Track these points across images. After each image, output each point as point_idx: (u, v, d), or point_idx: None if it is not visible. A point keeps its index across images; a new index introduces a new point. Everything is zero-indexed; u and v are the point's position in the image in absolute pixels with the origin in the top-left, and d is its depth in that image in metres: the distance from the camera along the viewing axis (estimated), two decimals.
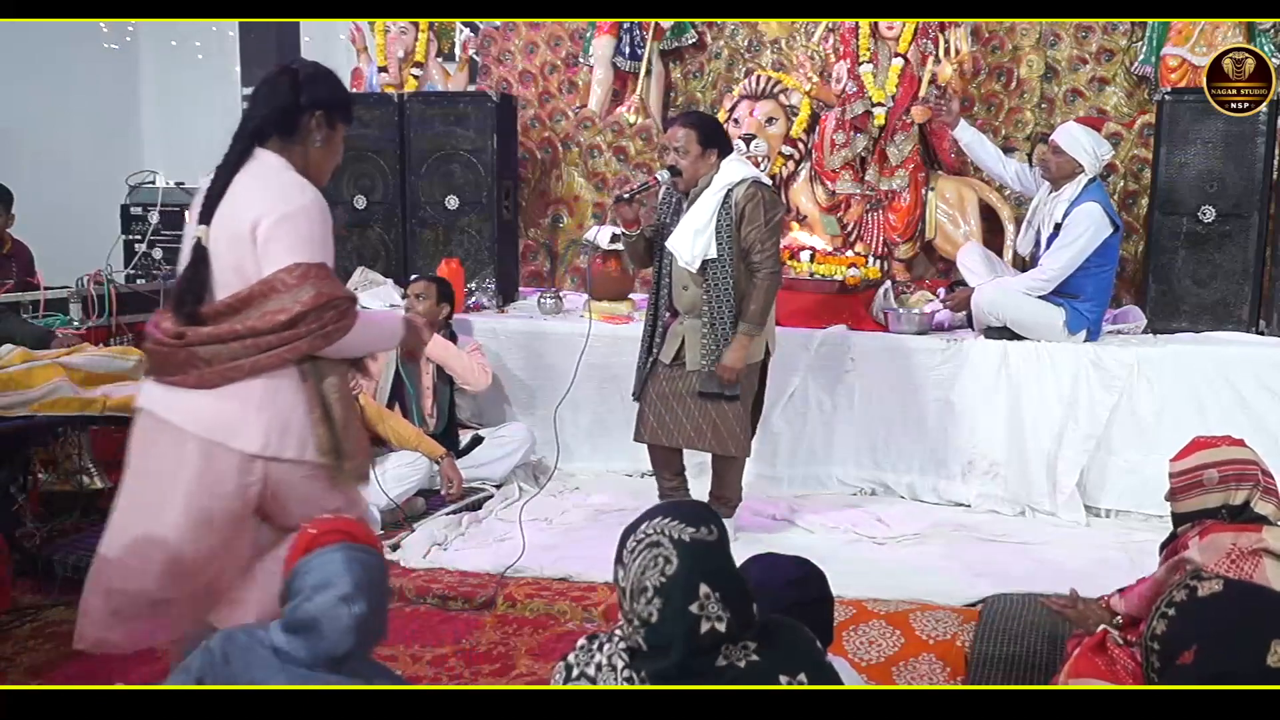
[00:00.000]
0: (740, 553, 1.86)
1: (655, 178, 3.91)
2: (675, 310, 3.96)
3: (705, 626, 1.63)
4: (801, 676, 1.63)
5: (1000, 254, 5.06)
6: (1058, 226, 4.39)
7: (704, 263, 3.78)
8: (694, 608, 1.63)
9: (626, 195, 3.90)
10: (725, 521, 3.92)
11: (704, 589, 1.64)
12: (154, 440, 2.32)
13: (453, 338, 4.71)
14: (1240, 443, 2.48)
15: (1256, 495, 2.37)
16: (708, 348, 3.81)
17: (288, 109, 2.41)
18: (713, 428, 3.84)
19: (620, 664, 1.68)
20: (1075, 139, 4.40)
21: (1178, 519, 2.49)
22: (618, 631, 1.73)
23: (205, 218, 2.35)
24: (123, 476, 2.37)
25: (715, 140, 3.84)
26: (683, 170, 3.80)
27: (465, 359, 4.62)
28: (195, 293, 2.31)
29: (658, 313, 3.99)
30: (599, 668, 1.70)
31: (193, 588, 2.31)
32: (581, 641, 1.78)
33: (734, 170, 3.82)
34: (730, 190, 3.77)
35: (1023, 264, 4.83)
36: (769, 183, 4.05)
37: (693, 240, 3.77)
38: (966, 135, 4.80)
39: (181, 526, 2.25)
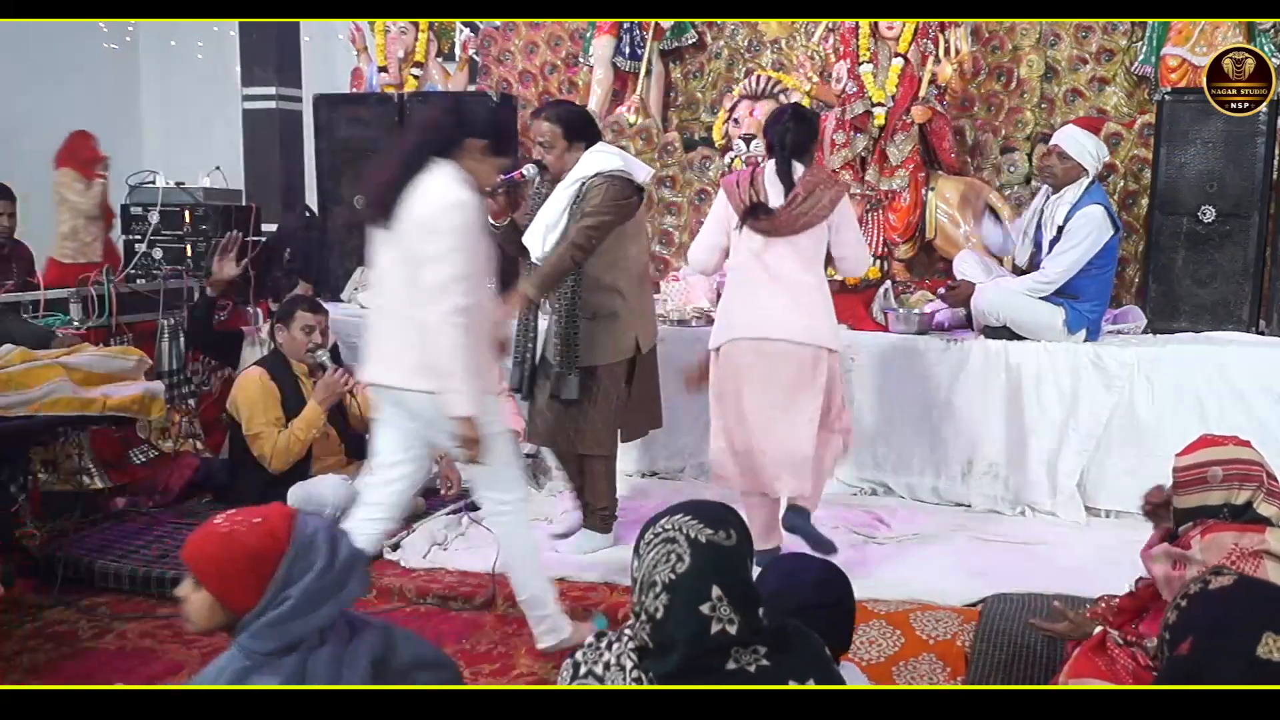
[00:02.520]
0: None
1: (521, 173, 3.73)
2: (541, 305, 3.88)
3: (716, 628, 1.63)
4: (810, 682, 1.63)
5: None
6: (1060, 230, 4.39)
7: None
8: (705, 608, 1.63)
9: (490, 189, 3.64)
10: (600, 536, 3.84)
11: (716, 590, 1.64)
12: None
13: None
14: (1247, 444, 2.48)
15: (1260, 496, 2.37)
16: (557, 346, 3.71)
17: None
18: (573, 424, 3.77)
19: (629, 664, 1.68)
20: (1079, 143, 4.42)
21: (1179, 515, 2.49)
22: (627, 631, 1.73)
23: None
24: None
25: (582, 133, 3.71)
26: (549, 164, 3.69)
27: None
28: None
29: (529, 311, 3.84)
30: (607, 666, 1.70)
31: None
32: (590, 639, 1.78)
33: (591, 162, 3.66)
34: (584, 183, 3.64)
35: (1020, 274, 4.82)
36: (642, 175, 3.76)
37: (544, 236, 3.66)
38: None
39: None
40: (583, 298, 3.69)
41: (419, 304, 2.78)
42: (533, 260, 3.72)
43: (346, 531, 1.94)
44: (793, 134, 3.56)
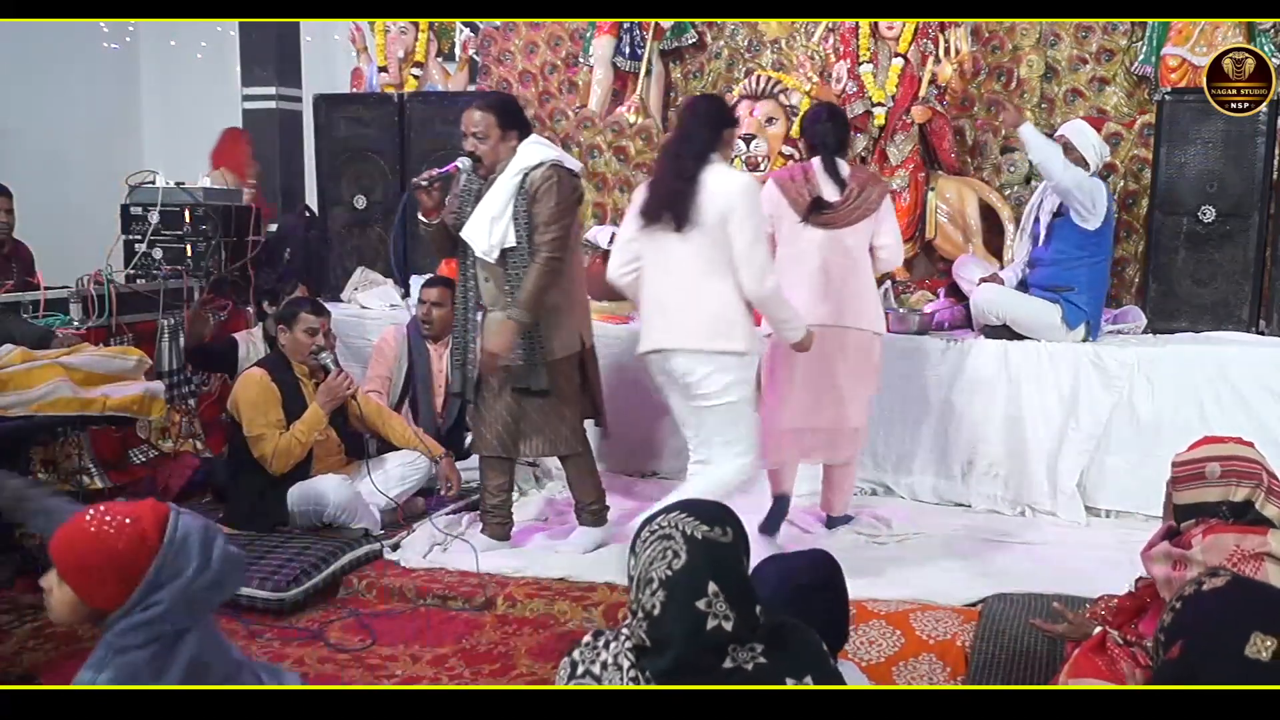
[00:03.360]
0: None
1: (455, 165, 3.62)
2: (482, 305, 3.75)
3: (712, 624, 1.63)
4: (808, 680, 1.63)
5: (1000, 254, 5.08)
6: (1055, 215, 4.40)
7: (503, 252, 3.57)
8: (701, 604, 1.63)
9: (424, 181, 3.62)
10: (597, 530, 3.85)
11: (712, 587, 1.64)
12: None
13: None
14: (1249, 444, 2.49)
15: (1260, 496, 2.36)
16: (516, 341, 3.60)
17: None
18: (538, 430, 3.70)
19: (626, 663, 1.67)
20: (1085, 135, 4.45)
21: (1178, 511, 2.50)
22: (624, 630, 1.73)
23: None
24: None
25: (515, 121, 3.62)
26: (483, 156, 3.58)
27: None
28: None
29: (467, 309, 3.77)
30: (604, 666, 1.69)
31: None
32: (586, 639, 1.77)
33: (532, 153, 3.59)
34: (527, 174, 3.55)
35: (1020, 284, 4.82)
36: (574, 166, 3.75)
37: (489, 228, 3.56)
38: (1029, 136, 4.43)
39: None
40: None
41: (725, 278, 3.31)
42: (477, 254, 3.60)
43: (220, 530, 1.91)
44: (834, 133, 3.87)
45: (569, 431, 3.79)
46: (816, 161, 3.86)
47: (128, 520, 1.81)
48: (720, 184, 3.30)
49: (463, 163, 3.61)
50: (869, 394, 3.97)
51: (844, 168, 3.86)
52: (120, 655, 1.80)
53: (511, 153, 3.59)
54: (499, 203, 3.56)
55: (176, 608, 1.80)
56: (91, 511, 1.83)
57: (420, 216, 3.73)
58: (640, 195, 3.49)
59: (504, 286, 3.63)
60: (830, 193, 3.80)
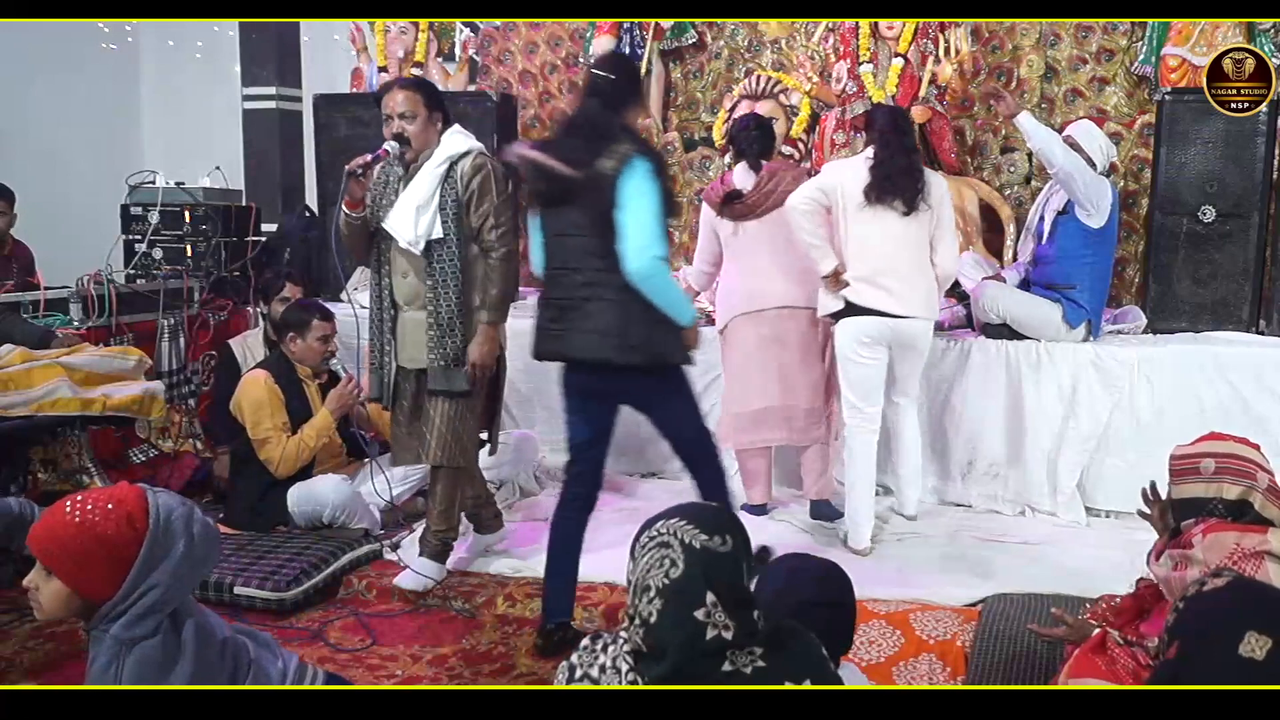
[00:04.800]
0: None
1: (385, 149, 3.41)
2: (395, 303, 3.54)
3: (711, 633, 1.61)
4: (807, 683, 1.62)
5: (1000, 254, 5.08)
6: (1059, 213, 4.40)
7: (428, 244, 3.39)
8: (699, 614, 1.61)
9: (359, 170, 3.40)
10: (439, 569, 3.61)
11: (710, 596, 1.62)
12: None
13: None
14: (1248, 443, 2.49)
15: (1256, 496, 2.36)
16: (436, 340, 3.40)
17: None
18: (435, 435, 3.46)
19: (625, 667, 1.66)
20: (1091, 134, 4.46)
21: (1176, 508, 2.51)
22: (623, 633, 1.72)
23: None
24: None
25: (440, 104, 3.47)
26: (411, 138, 3.40)
27: None
28: None
29: (383, 308, 3.54)
30: (603, 669, 1.68)
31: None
32: (585, 642, 1.76)
33: (457, 142, 3.44)
34: (455, 163, 3.39)
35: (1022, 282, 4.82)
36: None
37: (415, 219, 3.36)
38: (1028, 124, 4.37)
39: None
40: (460, 291, 3.40)
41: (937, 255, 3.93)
42: (402, 245, 3.41)
43: (194, 505, 1.92)
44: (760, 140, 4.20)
45: (468, 441, 3.53)
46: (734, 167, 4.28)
47: (110, 505, 1.80)
48: (932, 176, 3.95)
49: (391, 146, 3.41)
50: (817, 374, 4.19)
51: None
52: (133, 650, 1.79)
53: (436, 138, 3.44)
54: (424, 192, 3.38)
55: (171, 588, 1.80)
56: (69, 502, 1.82)
57: (345, 209, 3.48)
58: (848, 177, 3.87)
59: (426, 282, 3.42)
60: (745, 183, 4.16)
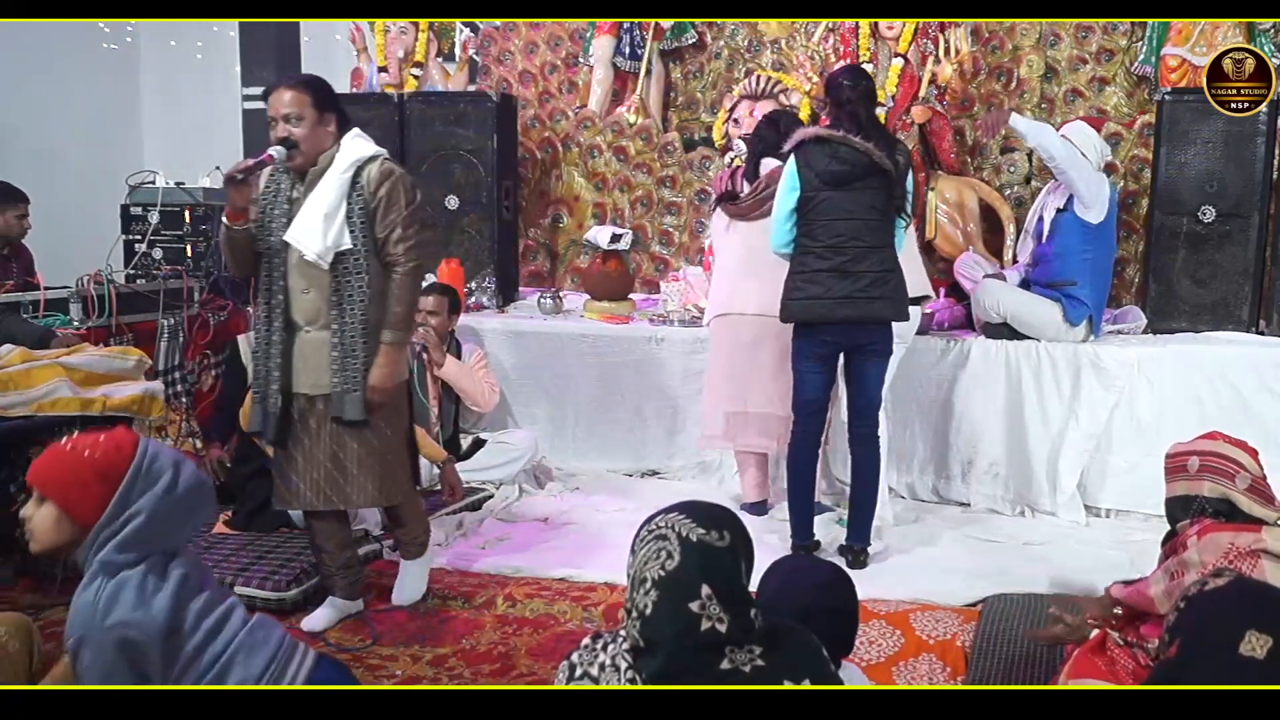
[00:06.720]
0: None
1: (270, 153, 3.06)
2: (291, 322, 3.15)
3: (705, 625, 1.63)
4: (806, 682, 1.63)
5: (1000, 254, 5.08)
6: (1059, 210, 4.41)
7: (335, 257, 3.06)
8: (694, 606, 1.63)
9: (240, 175, 3.07)
10: (416, 564, 3.53)
11: (705, 589, 1.64)
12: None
13: (458, 347, 4.71)
14: (1245, 447, 2.50)
15: (1235, 494, 2.40)
16: (340, 363, 3.08)
17: None
18: (368, 473, 3.16)
19: (624, 665, 1.68)
20: (1085, 135, 4.46)
21: (1169, 506, 2.54)
22: (622, 632, 1.73)
23: None
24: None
25: (333, 105, 3.13)
26: (299, 141, 3.05)
27: (476, 381, 4.64)
28: None
29: (271, 329, 3.14)
30: (602, 668, 1.70)
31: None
32: (585, 641, 1.77)
33: (361, 146, 3.13)
34: (361, 169, 3.09)
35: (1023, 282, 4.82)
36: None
37: (323, 229, 3.02)
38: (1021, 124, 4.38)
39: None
40: (368, 306, 3.09)
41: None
42: (309, 258, 3.05)
43: (187, 459, 2.02)
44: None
45: (403, 474, 3.29)
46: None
47: (102, 438, 1.95)
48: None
49: (277, 151, 3.05)
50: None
51: (766, 165, 4.18)
52: (112, 575, 1.88)
53: (330, 141, 3.11)
54: (331, 200, 3.05)
55: (155, 520, 1.90)
56: (65, 439, 1.97)
57: (225, 220, 3.15)
58: None
59: (331, 298, 3.08)
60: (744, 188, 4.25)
